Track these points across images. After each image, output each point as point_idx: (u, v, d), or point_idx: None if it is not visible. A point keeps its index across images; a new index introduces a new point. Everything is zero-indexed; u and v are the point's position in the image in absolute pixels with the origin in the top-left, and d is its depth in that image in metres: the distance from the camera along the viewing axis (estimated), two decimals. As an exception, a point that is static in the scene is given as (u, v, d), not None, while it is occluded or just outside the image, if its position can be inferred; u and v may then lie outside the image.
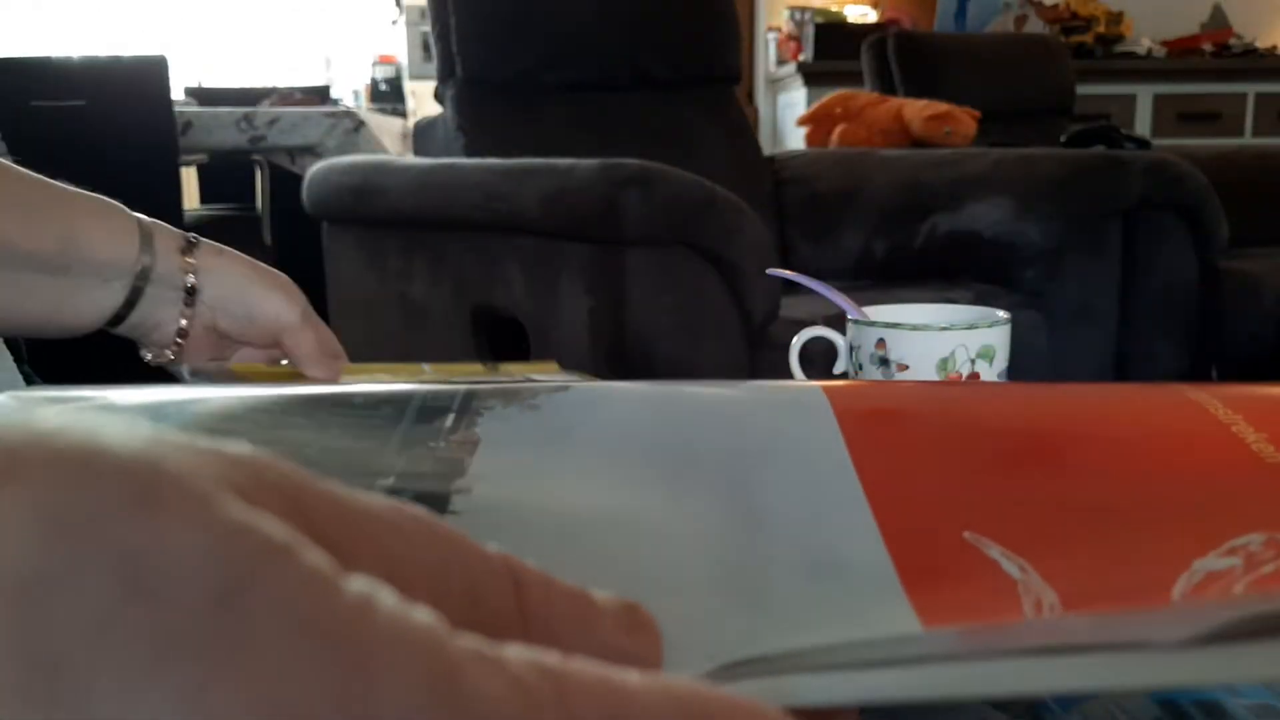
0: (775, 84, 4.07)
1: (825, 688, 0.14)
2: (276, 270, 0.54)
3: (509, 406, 0.25)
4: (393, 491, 0.21)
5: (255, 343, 0.54)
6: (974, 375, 0.54)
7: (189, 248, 0.51)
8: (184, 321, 0.51)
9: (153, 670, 0.09)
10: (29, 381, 0.62)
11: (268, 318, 0.52)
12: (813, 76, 3.59)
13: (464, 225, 1.32)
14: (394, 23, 5.22)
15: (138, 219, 0.50)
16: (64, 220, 0.47)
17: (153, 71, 2.27)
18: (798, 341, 0.61)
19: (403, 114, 4.64)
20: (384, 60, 5.23)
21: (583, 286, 1.17)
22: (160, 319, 0.51)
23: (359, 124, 2.45)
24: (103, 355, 0.62)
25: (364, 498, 0.13)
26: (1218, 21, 3.88)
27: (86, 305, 0.48)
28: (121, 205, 0.50)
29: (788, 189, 1.90)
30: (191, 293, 0.51)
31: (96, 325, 0.50)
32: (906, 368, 0.55)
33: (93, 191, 0.49)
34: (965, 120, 2.17)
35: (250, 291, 0.52)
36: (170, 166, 2.32)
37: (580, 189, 1.14)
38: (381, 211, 1.45)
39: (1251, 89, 3.66)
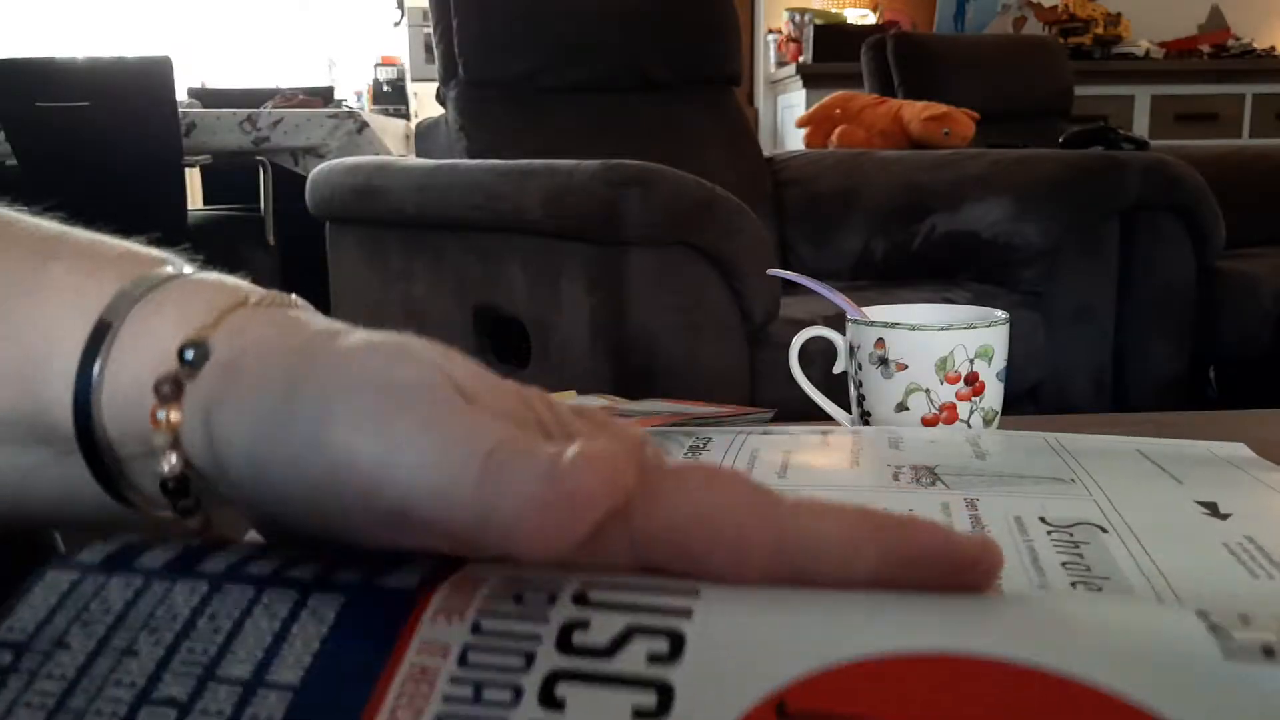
0: (775, 85, 4.08)
1: None
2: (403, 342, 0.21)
3: None
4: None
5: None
6: (973, 374, 0.55)
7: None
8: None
9: None
10: None
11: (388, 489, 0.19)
12: (812, 78, 3.60)
13: (465, 226, 1.33)
14: (396, 25, 5.23)
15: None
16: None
17: (157, 73, 2.27)
18: (798, 341, 0.62)
19: (405, 115, 4.66)
20: (387, 62, 5.24)
21: (584, 287, 1.18)
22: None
23: (362, 125, 2.46)
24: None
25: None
26: (1215, 23, 3.89)
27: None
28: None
29: (787, 190, 1.90)
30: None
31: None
32: (905, 367, 0.56)
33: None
34: (964, 121, 2.18)
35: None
36: (174, 167, 2.33)
37: (581, 190, 1.15)
38: (384, 212, 1.46)
39: (1249, 90, 3.67)
